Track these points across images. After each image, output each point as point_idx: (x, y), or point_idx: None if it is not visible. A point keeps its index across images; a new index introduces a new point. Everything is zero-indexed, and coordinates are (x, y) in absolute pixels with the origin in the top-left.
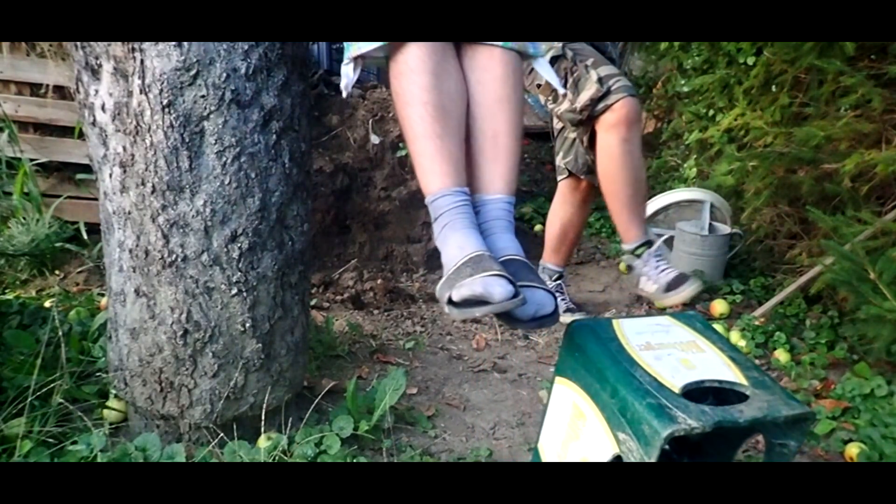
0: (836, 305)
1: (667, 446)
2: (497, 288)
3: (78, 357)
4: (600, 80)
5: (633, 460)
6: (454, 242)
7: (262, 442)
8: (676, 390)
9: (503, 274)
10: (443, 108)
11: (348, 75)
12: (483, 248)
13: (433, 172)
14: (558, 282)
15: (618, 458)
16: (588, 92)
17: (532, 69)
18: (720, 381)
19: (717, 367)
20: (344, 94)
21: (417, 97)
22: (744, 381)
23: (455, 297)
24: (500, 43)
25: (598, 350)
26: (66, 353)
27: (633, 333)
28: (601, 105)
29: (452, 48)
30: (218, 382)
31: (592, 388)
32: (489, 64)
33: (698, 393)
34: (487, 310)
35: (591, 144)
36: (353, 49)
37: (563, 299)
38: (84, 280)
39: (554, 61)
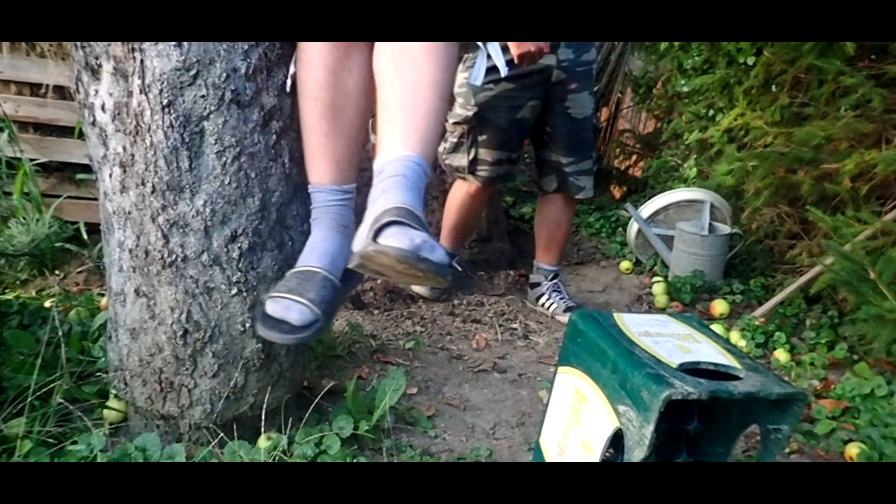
0: (836, 305)
1: (661, 424)
2: (295, 313)
3: (78, 357)
4: (472, 162)
5: (632, 430)
6: (310, 241)
7: (262, 442)
8: (674, 366)
9: (307, 304)
10: (334, 106)
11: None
12: (325, 262)
13: (314, 167)
14: (554, 281)
15: (618, 431)
16: (458, 161)
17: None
18: (715, 364)
19: (713, 353)
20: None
21: (310, 91)
22: (737, 366)
23: (265, 309)
24: None
25: (600, 333)
26: (66, 353)
27: (634, 324)
28: (460, 174)
29: (363, 52)
30: (218, 382)
31: (594, 368)
32: None
33: (694, 374)
34: (276, 337)
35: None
36: None
37: (561, 298)
38: (84, 280)
39: (460, 123)
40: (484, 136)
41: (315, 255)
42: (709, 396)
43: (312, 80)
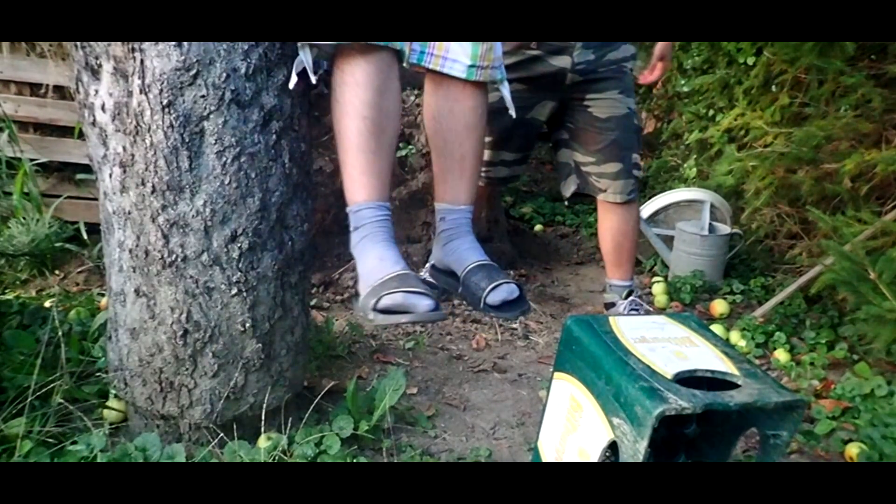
0: (836, 305)
1: (659, 430)
2: (423, 300)
3: (78, 357)
4: None
5: (626, 444)
6: (374, 254)
7: (262, 442)
8: (669, 377)
9: (426, 292)
10: (380, 125)
11: (307, 61)
12: (406, 266)
13: (360, 185)
14: (630, 298)
15: (612, 444)
16: None
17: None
18: (712, 372)
19: (710, 359)
20: (313, 80)
21: (358, 111)
22: (735, 372)
23: (380, 306)
24: (469, 77)
25: (595, 341)
26: (66, 353)
27: (629, 329)
28: None
29: (397, 66)
30: (218, 382)
31: (588, 377)
32: (461, 96)
33: (691, 383)
34: (410, 318)
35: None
36: None
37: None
38: (84, 280)
39: None
40: (489, 137)
41: (391, 262)
42: (704, 410)
43: (360, 100)
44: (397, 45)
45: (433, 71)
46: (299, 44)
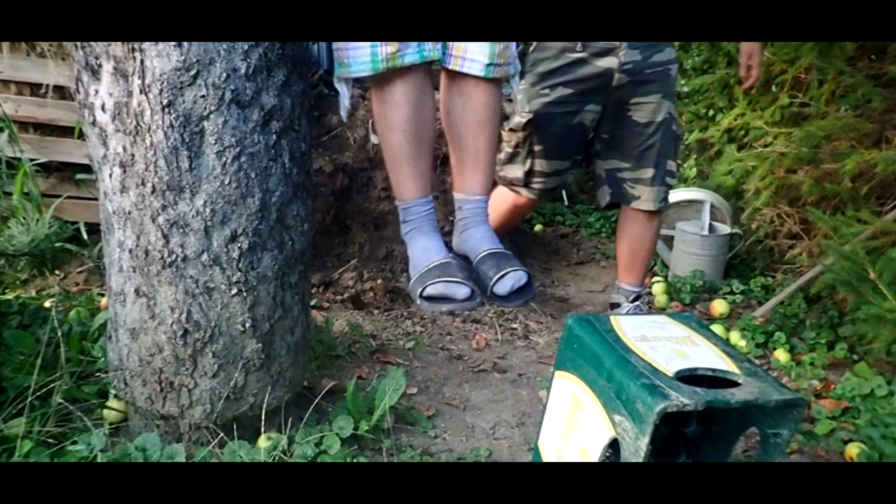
0: (836, 305)
1: (660, 429)
2: (461, 289)
3: (78, 357)
4: (527, 174)
5: (628, 441)
6: (420, 244)
7: (262, 442)
8: (670, 375)
9: (463, 280)
10: (419, 134)
11: (346, 95)
12: (447, 254)
13: (406, 187)
14: (636, 303)
15: (614, 441)
16: (513, 172)
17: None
18: (713, 370)
19: (711, 358)
20: (344, 117)
21: (399, 125)
22: (736, 371)
23: (425, 294)
24: (487, 75)
25: (596, 339)
26: (66, 353)
27: (630, 327)
28: (514, 187)
29: (430, 79)
30: (218, 382)
31: (590, 375)
32: (474, 92)
33: (692, 382)
34: (451, 307)
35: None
36: (343, 72)
37: None
38: (84, 280)
39: (515, 130)
40: (540, 146)
41: (434, 251)
42: (705, 407)
43: (400, 115)
44: (435, 55)
45: (452, 70)
46: (336, 78)
